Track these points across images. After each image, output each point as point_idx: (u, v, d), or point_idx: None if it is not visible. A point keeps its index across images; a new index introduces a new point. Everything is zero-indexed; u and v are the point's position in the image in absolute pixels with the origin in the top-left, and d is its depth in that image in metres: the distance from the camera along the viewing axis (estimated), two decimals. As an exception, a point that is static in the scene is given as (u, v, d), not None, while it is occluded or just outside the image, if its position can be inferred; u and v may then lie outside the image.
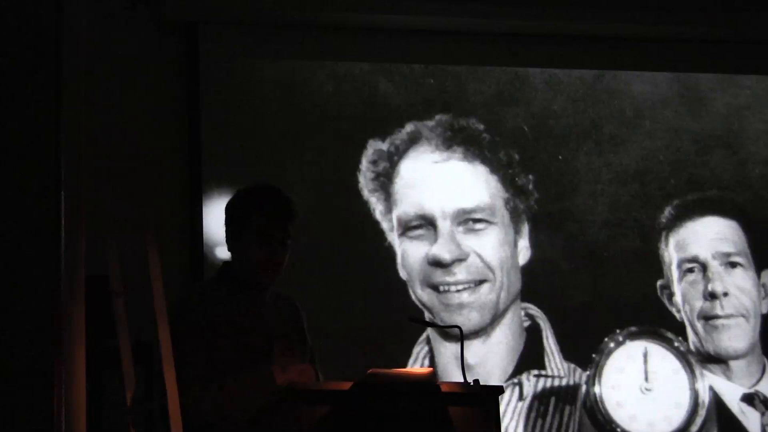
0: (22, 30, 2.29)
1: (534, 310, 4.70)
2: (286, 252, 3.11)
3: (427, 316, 4.54)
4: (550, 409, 4.62)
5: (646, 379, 4.71)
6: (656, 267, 4.84)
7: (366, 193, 4.63)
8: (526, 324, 4.69)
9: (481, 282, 4.64)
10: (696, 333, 4.80)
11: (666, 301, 4.82)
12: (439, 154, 4.71)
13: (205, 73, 4.54)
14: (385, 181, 4.65)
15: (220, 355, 2.95)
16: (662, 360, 4.74)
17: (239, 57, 4.61)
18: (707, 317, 4.81)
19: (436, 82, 4.79)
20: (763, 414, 4.78)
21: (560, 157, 4.85)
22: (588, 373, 4.68)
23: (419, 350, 4.56)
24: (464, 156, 4.74)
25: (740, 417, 4.76)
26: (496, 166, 4.76)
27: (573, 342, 4.69)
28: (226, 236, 3.12)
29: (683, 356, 4.76)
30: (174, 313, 2.94)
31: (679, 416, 4.71)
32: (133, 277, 3.04)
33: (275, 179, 4.51)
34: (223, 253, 4.41)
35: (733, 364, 4.81)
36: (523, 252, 4.73)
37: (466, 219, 4.66)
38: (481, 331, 4.62)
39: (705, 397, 4.73)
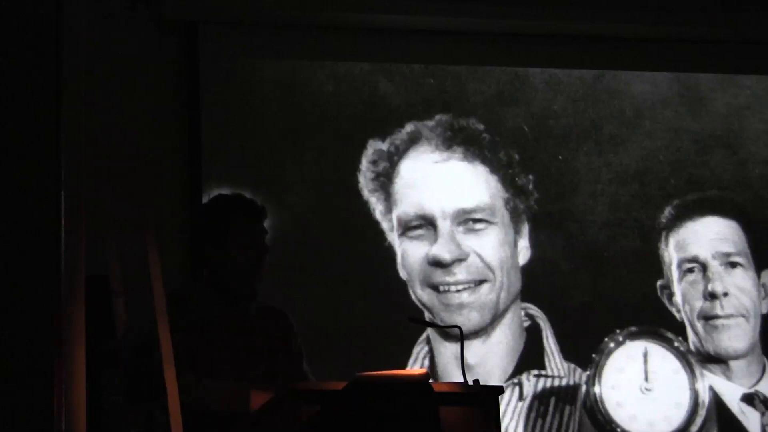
0: (22, 30, 2.29)
1: (534, 310, 4.70)
2: (267, 251, 3.13)
3: (427, 316, 4.54)
4: (550, 409, 4.62)
5: (646, 379, 4.71)
6: (656, 267, 4.84)
7: (366, 193, 4.63)
8: (526, 324, 4.69)
9: (481, 282, 4.64)
10: (696, 333, 4.80)
11: (666, 301, 4.82)
12: (439, 154, 4.71)
13: (205, 73, 4.54)
14: (385, 181, 4.65)
15: (202, 364, 2.95)
16: (662, 360, 4.74)
17: (239, 57, 4.61)
18: (707, 317, 4.81)
19: (436, 82, 4.79)
20: (763, 414, 4.79)
21: (560, 157, 4.85)
22: (588, 373, 4.68)
23: (419, 350, 4.56)
24: (464, 156, 4.74)
25: (740, 417, 4.76)
26: (496, 166, 4.76)
27: (573, 342, 4.69)
28: (205, 249, 3.11)
29: (683, 356, 4.76)
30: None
31: (679, 416, 4.71)
32: (133, 277, 3.04)
33: (275, 179, 4.53)
34: (223, 253, 4.43)
35: (733, 364, 4.81)
36: (523, 252, 4.73)
37: (466, 219, 4.66)
38: (481, 331, 4.62)
39: (705, 397, 4.74)
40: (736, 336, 4.82)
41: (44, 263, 2.22)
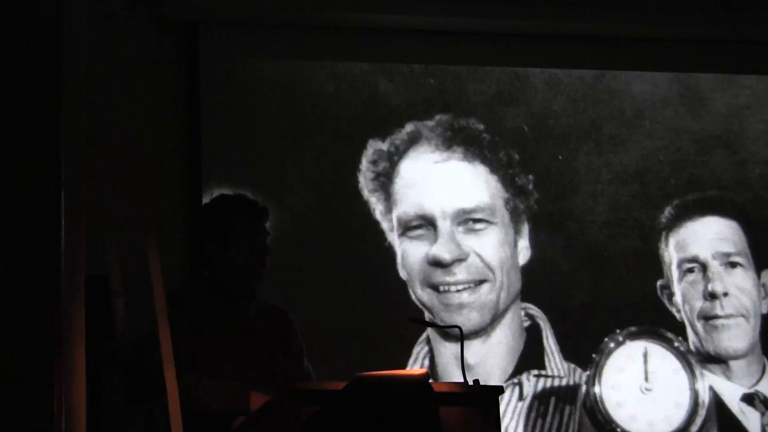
0: (22, 30, 2.29)
1: (534, 310, 4.70)
2: (268, 252, 3.13)
3: (427, 316, 4.54)
4: (550, 409, 4.62)
5: (646, 379, 4.71)
6: (656, 267, 4.84)
7: (366, 193, 4.63)
8: (526, 324, 4.69)
9: (481, 282, 4.64)
10: (696, 333, 4.80)
11: (666, 301, 4.82)
12: (439, 154, 4.71)
13: (205, 73, 4.54)
14: (385, 181, 4.65)
15: (202, 363, 2.95)
16: (662, 360, 4.74)
17: (239, 57, 4.61)
18: (707, 317, 4.81)
19: (436, 82, 4.79)
20: (763, 414, 4.79)
21: (560, 157, 4.85)
22: (588, 373, 4.68)
23: (419, 350, 4.56)
24: (464, 156, 4.74)
25: (740, 417, 4.76)
26: (496, 166, 4.76)
27: (573, 342, 4.69)
28: (205, 248, 3.11)
29: (683, 356, 4.76)
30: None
31: (679, 416, 4.71)
32: (133, 277, 3.04)
33: (275, 179, 4.53)
34: (223, 253, 4.43)
35: (733, 364, 4.81)
36: (523, 252, 4.73)
37: (466, 219, 4.66)
38: (481, 331, 4.62)
39: (705, 397, 4.74)
40: (736, 336, 4.82)
41: (44, 263, 2.22)
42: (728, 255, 4.89)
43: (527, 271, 4.72)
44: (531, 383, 4.62)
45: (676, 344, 4.77)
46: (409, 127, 4.72)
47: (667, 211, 4.90)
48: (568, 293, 4.74)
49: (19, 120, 2.27)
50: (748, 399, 4.80)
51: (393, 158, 4.68)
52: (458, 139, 4.74)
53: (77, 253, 2.25)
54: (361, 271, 4.57)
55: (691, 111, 5.00)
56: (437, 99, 4.77)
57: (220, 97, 4.54)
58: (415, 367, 4.51)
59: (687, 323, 4.81)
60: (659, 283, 4.83)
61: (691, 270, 4.85)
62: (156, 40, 4.53)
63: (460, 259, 4.62)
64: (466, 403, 2.70)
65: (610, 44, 4.97)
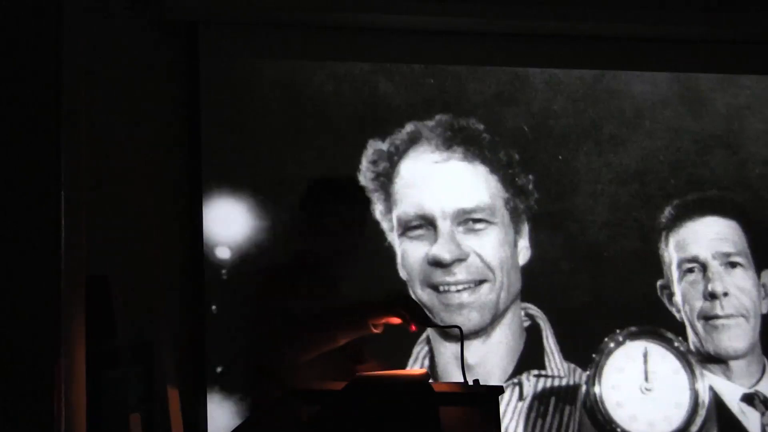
0: (22, 30, 2.29)
1: (534, 310, 4.70)
2: (360, 240, 3.16)
3: (427, 316, 4.53)
4: (550, 409, 4.62)
5: (646, 379, 4.71)
6: (656, 267, 4.85)
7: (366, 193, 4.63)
8: (526, 324, 4.69)
9: (481, 282, 4.64)
10: (696, 333, 4.80)
11: (666, 301, 4.82)
12: (439, 154, 4.72)
13: (205, 73, 4.54)
14: (385, 181, 4.65)
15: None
16: (662, 360, 4.74)
17: (239, 57, 4.61)
18: (707, 317, 4.82)
19: (436, 82, 4.79)
20: (763, 414, 4.79)
21: (560, 157, 4.85)
22: (588, 373, 4.68)
23: (419, 350, 4.56)
24: (464, 156, 4.74)
25: (740, 417, 4.76)
26: (496, 166, 4.76)
27: (573, 342, 4.69)
28: (302, 224, 3.14)
29: (683, 356, 4.76)
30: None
31: (679, 416, 4.71)
32: (133, 277, 3.05)
33: (275, 179, 4.53)
34: (222, 252, 4.43)
35: (733, 364, 4.81)
36: (523, 252, 4.73)
37: (466, 219, 4.66)
38: (481, 331, 4.62)
39: (705, 397, 4.74)
40: (736, 336, 4.82)
41: (44, 263, 2.22)
42: (728, 255, 4.89)
43: (527, 271, 4.72)
44: (531, 383, 4.62)
45: (676, 344, 4.77)
46: (409, 127, 4.72)
47: (667, 211, 4.90)
48: (568, 293, 4.74)
49: (19, 120, 2.27)
50: (748, 399, 4.80)
51: (393, 158, 4.68)
52: (458, 139, 4.75)
53: (77, 253, 2.25)
54: (361, 271, 4.56)
55: (691, 111, 5.00)
56: (437, 99, 4.77)
57: (220, 97, 4.54)
58: (415, 367, 4.51)
59: (687, 323, 4.81)
60: (659, 283, 4.83)
61: (691, 270, 4.85)
62: (156, 40, 4.53)
63: (460, 259, 4.62)
64: (466, 403, 2.70)
65: (610, 44, 4.97)
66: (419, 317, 2.91)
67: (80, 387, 2.21)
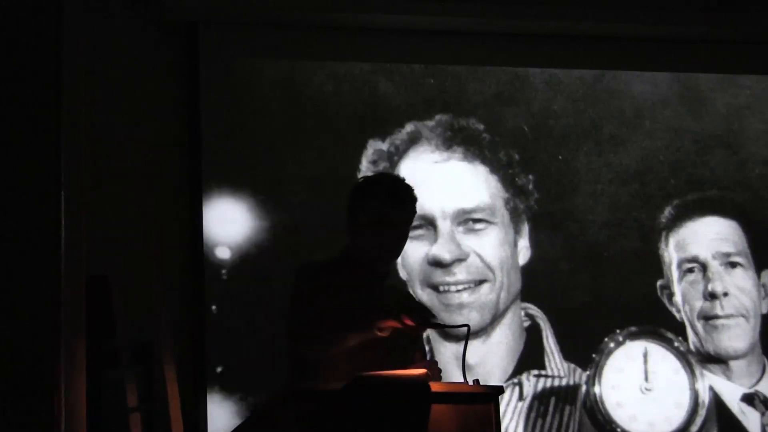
0: (22, 30, 2.29)
1: (534, 310, 4.70)
2: (404, 240, 3.14)
3: (427, 316, 4.53)
4: (550, 409, 4.62)
5: (646, 379, 4.71)
6: (656, 267, 4.84)
7: (366, 193, 4.63)
8: (526, 324, 4.69)
9: (481, 282, 4.64)
10: (696, 333, 4.80)
11: (666, 301, 4.82)
12: (439, 154, 4.72)
13: (205, 73, 4.54)
14: (385, 181, 4.65)
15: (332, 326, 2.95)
16: (662, 360, 4.74)
17: (239, 57, 4.61)
18: (707, 317, 4.81)
19: (436, 82, 4.79)
20: (763, 414, 4.79)
21: (560, 157, 4.85)
22: (588, 373, 4.68)
23: (419, 350, 4.55)
24: (464, 156, 4.74)
25: (740, 417, 4.76)
26: (496, 166, 4.76)
27: (573, 342, 4.69)
28: (348, 222, 3.13)
29: (683, 356, 4.76)
30: (303, 275, 3.04)
31: (679, 416, 4.71)
32: (133, 277, 3.05)
33: (275, 179, 4.53)
34: (222, 252, 4.43)
35: (733, 364, 4.81)
36: (523, 252, 4.73)
37: (466, 219, 4.66)
38: (481, 331, 4.62)
39: (705, 397, 4.74)
40: (736, 336, 4.82)
41: (44, 263, 2.22)
42: (728, 255, 4.89)
43: (527, 271, 4.72)
44: (531, 383, 4.62)
45: (676, 344, 4.77)
46: (409, 127, 4.72)
47: (667, 211, 4.90)
48: (568, 293, 4.74)
49: (19, 120, 2.27)
50: (748, 399, 4.80)
51: (393, 158, 4.68)
52: (458, 139, 4.75)
53: (77, 253, 2.25)
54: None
55: (691, 111, 5.00)
56: (437, 99, 4.77)
57: (220, 97, 4.54)
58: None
59: (687, 323, 4.81)
60: (659, 283, 4.83)
61: (691, 270, 4.85)
62: (156, 40, 4.53)
63: (460, 259, 4.62)
64: (466, 403, 2.70)
65: (610, 44, 4.97)
66: (420, 320, 2.91)
67: (80, 387, 2.21)
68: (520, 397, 4.60)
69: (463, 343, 3.11)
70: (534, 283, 4.71)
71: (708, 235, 4.91)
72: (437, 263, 4.60)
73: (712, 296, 4.83)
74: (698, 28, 4.97)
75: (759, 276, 4.91)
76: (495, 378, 4.57)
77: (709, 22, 4.94)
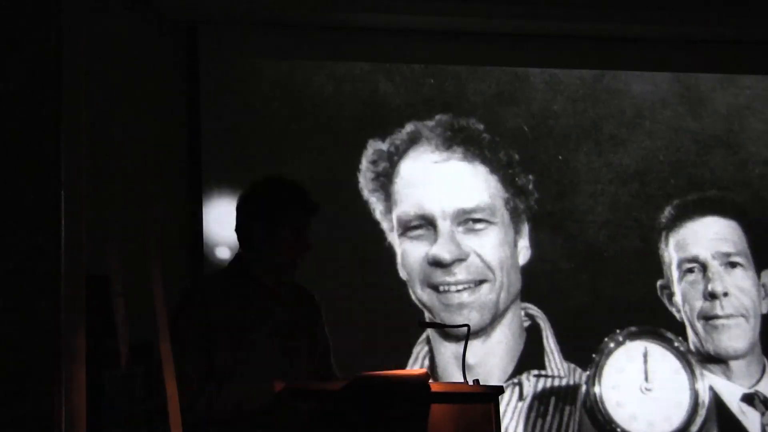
0: (22, 30, 2.29)
1: (534, 310, 4.70)
2: (311, 248, 3.14)
3: (427, 316, 4.54)
4: (550, 409, 4.62)
5: (646, 379, 4.71)
6: (656, 267, 4.85)
7: (366, 193, 4.63)
8: (526, 324, 4.69)
9: (481, 282, 4.64)
10: (696, 333, 4.80)
11: (666, 301, 4.82)
12: (439, 154, 4.71)
13: (205, 73, 4.54)
14: (385, 181, 4.65)
15: (221, 353, 2.95)
16: (662, 360, 4.74)
17: (239, 57, 4.61)
18: (707, 317, 4.81)
19: (436, 82, 4.79)
20: (763, 414, 4.78)
21: (560, 157, 4.85)
22: (588, 373, 4.68)
23: (419, 350, 4.56)
24: (464, 156, 4.74)
25: (740, 417, 4.76)
26: (496, 166, 4.76)
27: (573, 342, 4.69)
28: (251, 231, 3.10)
29: (683, 356, 4.76)
30: (178, 307, 2.96)
31: (679, 416, 4.71)
32: (133, 277, 3.04)
33: (275, 179, 4.52)
34: (222, 252, 4.43)
35: (733, 364, 4.81)
36: (523, 252, 4.73)
37: (466, 219, 4.66)
38: (481, 331, 4.62)
39: (705, 397, 4.74)
40: (736, 336, 4.82)
41: (44, 263, 2.22)
42: (728, 255, 4.89)
43: (527, 271, 4.72)
44: (531, 383, 4.62)
45: (676, 344, 4.77)
46: (409, 127, 4.72)
47: (667, 211, 4.90)
48: (568, 293, 4.74)
49: (19, 120, 2.27)
50: (748, 399, 4.80)
51: (393, 158, 4.68)
52: (458, 139, 4.74)
53: (77, 253, 2.25)
54: (361, 271, 4.57)
55: (691, 111, 5.00)
56: (437, 99, 4.77)
57: (220, 97, 4.54)
58: (415, 367, 4.51)
59: (687, 323, 4.81)
60: (659, 283, 4.83)
61: (691, 270, 4.85)
62: (156, 40, 4.53)
63: (460, 259, 4.62)
64: (466, 403, 2.70)
65: (610, 44, 4.97)
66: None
67: (80, 387, 2.21)
68: (520, 397, 4.59)
69: (463, 343, 3.11)
70: (534, 283, 4.71)
71: (708, 235, 4.91)
72: (437, 263, 4.60)
73: (712, 296, 4.83)
74: (698, 28, 4.97)
75: (759, 276, 4.91)
76: (495, 378, 4.57)
77: (709, 22, 4.94)
